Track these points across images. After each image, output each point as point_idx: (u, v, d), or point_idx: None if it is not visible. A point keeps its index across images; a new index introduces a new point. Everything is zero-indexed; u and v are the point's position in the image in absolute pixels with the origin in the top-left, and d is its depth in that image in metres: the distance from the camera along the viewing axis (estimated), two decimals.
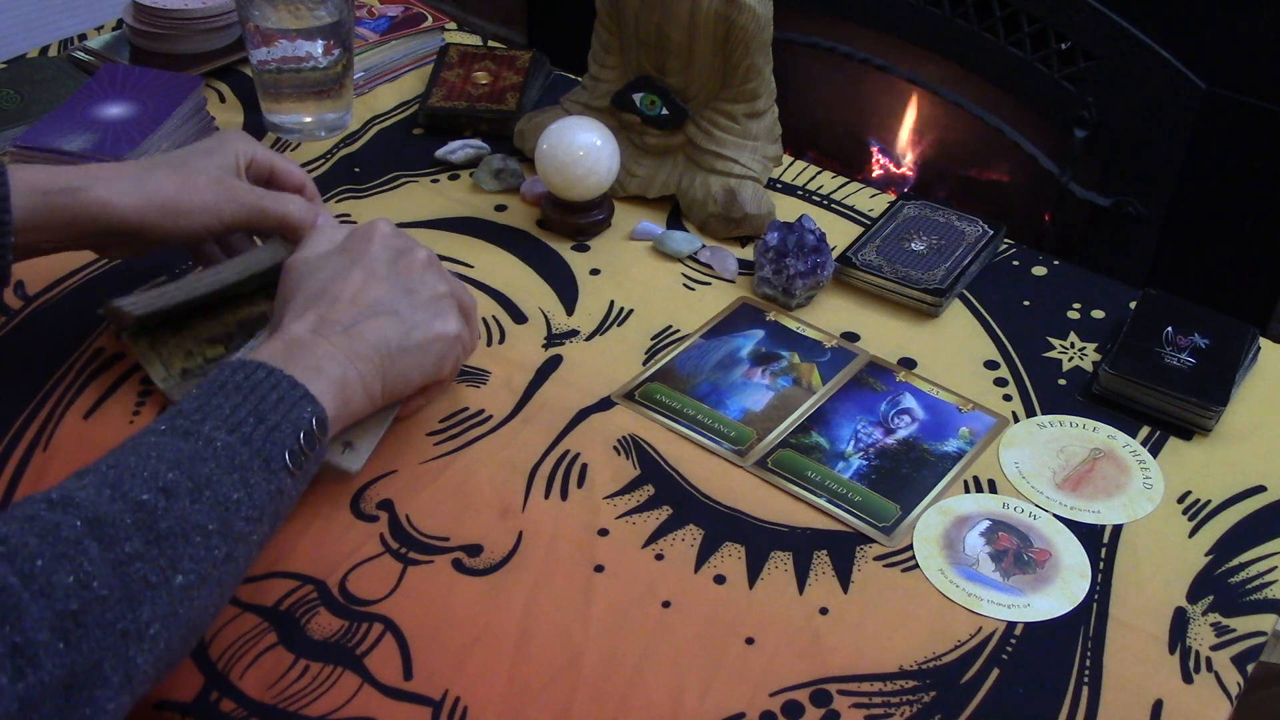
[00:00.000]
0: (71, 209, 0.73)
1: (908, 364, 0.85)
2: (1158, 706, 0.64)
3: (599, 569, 0.69)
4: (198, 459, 0.57)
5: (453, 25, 1.21)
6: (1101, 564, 0.71)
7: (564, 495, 0.74)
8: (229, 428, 0.59)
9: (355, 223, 0.95)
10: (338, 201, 0.98)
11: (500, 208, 0.99)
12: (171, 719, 0.61)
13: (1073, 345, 0.87)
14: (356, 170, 1.02)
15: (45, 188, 0.72)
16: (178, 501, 0.55)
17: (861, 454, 0.78)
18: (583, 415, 0.80)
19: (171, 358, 0.78)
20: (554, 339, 0.86)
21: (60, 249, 0.76)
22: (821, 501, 0.74)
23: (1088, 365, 0.86)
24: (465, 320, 0.75)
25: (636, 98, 0.97)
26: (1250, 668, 0.66)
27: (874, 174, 1.94)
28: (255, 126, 1.07)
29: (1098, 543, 0.73)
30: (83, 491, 0.54)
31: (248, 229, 0.80)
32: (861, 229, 0.97)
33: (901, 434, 0.79)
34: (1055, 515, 0.74)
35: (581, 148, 0.91)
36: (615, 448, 0.77)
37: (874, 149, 1.94)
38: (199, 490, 0.56)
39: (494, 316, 0.87)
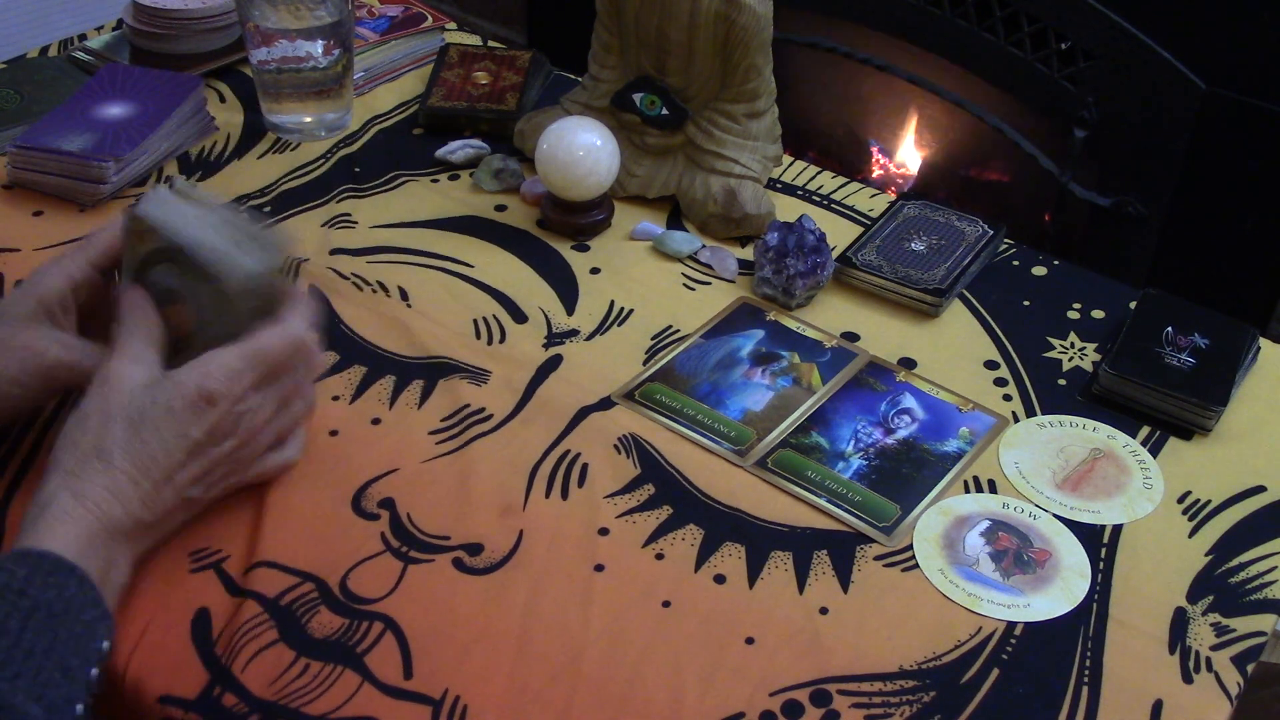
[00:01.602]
0: None
1: (908, 364, 0.85)
2: (1158, 706, 0.64)
3: (599, 568, 0.69)
4: None
5: (453, 25, 1.21)
6: (1101, 564, 0.71)
7: (564, 494, 0.74)
8: (36, 693, 0.55)
9: (354, 222, 0.96)
10: (338, 201, 0.98)
11: (500, 208, 0.99)
12: (176, 714, 0.62)
13: (1073, 345, 0.87)
14: (356, 170, 1.03)
15: None
16: None
17: (861, 454, 0.78)
18: (583, 415, 0.80)
19: None
20: (554, 338, 0.86)
21: None
22: (821, 501, 0.74)
23: (1088, 365, 0.86)
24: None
25: (636, 98, 0.97)
26: (1250, 668, 0.66)
27: (874, 174, 1.94)
28: (255, 126, 1.07)
29: (1098, 543, 0.73)
30: None
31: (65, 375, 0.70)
32: (861, 229, 0.97)
33: (901, 434, 0.79)
34: (1055, 515, 0.74)
35: (581, 148, 0.91)
36: (615, 447, 0.77)
37: (874, 149, 1.94)
38: None
39: (494, 316, 0.87)
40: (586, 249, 0.95)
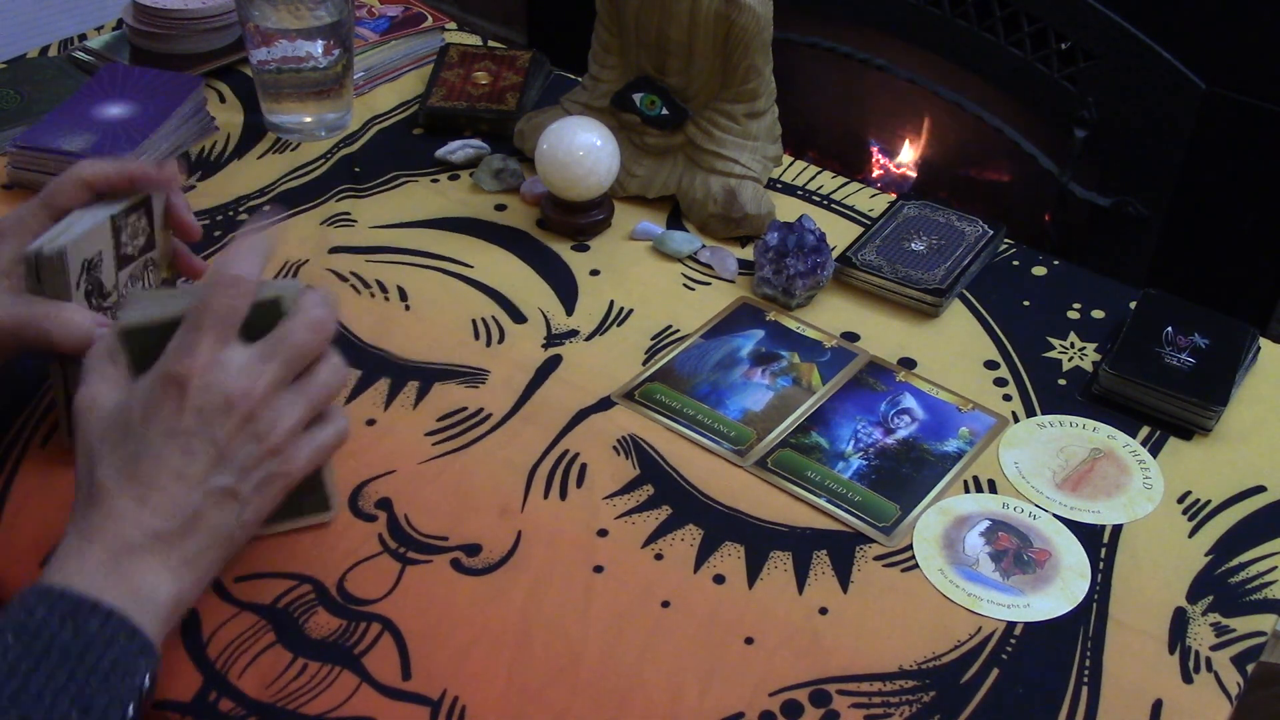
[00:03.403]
0: None
1: (908, 364, 0.85)
2: (1158, 706, 0.64)
3: (598, 569, 0.69)
4: None
5: (453, 25, 1.21)
6: (1101, 564, 0.71)
7: (563, 495, 0.74)
8: None
9: (353, 221, 0.96)
10: (338, 201, 0.98)
11: (500, 208, 0.99)
12: (171, 718, 0.61)
13: (1073, 345, 0.87)
14: (356, 170, 1.02)
15: None
16: None
17: (861, 454, 0.78)
18: (582, 415, 0.80)
19: None
20: (554, 339, 0.86)
21: None
22: (821, 501, 0.74)
23: (1088, 365, 0.86)
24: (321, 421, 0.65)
25: (636, 98, 0.97)
26: (1250, 668, 0.66)
27: (874, 174, 1.94)
28: (255, 126, 1.07)
29: (1098, 543, 0.73)
30: None
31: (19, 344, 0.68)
32: (861, 229, 0.97)
33: (901, 434, 0.79)
34: (1055, 515, 0.74)
35: (581, 148, 0.91)
36: (615, 448, 0.77)
37: (874, 149, 1.94)
38: None
39: (494, 316, 0.87)
40: (586, 249, 0.95)
